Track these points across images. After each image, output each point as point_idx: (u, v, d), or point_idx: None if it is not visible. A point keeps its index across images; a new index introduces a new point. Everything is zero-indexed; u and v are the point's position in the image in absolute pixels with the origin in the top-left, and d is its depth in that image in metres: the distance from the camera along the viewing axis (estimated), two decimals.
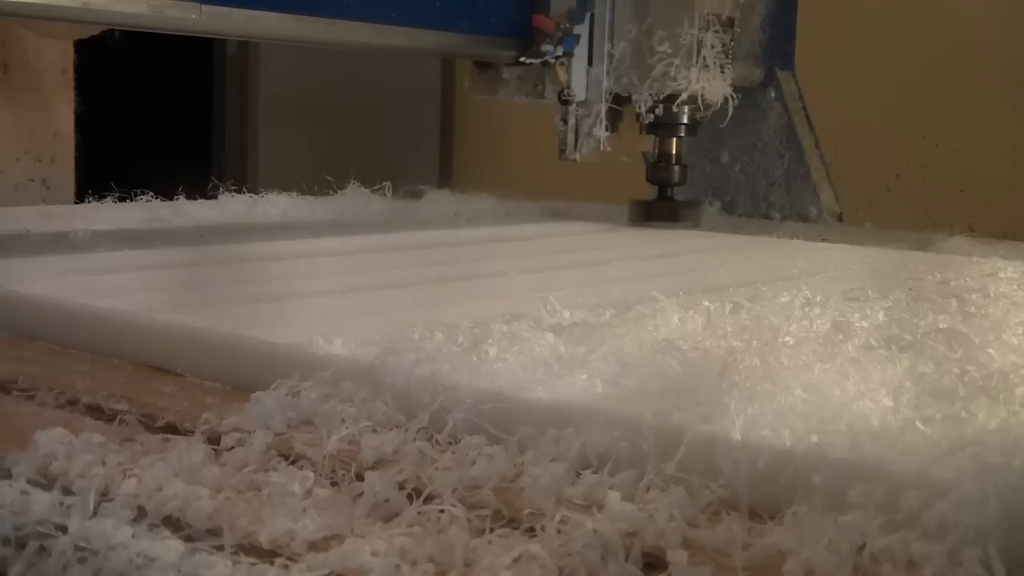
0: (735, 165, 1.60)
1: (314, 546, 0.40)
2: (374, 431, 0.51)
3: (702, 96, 1.31)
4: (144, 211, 1.28)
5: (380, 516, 0.43)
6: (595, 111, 1.33)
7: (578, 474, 0.46)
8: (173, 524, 0.42)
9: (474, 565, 0.38)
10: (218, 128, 2.40)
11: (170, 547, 0.40)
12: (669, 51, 1.30)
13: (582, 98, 1.34)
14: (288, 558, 0.39)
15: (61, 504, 0.43)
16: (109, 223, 1.18)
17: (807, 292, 0.74)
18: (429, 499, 0.43)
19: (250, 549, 0.40)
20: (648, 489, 0.44)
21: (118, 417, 0.54)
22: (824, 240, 1.29)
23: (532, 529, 0.41)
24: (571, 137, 1.34)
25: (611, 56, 1.34)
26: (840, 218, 1.55)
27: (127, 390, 0.59)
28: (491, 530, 0.40)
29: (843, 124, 1.98)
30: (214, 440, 0.51)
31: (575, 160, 1.34)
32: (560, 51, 1.31)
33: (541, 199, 1.65)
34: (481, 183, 1.74)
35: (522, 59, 1.33)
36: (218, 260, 0.95)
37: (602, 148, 1.34)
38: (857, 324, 0.66)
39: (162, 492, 0.44)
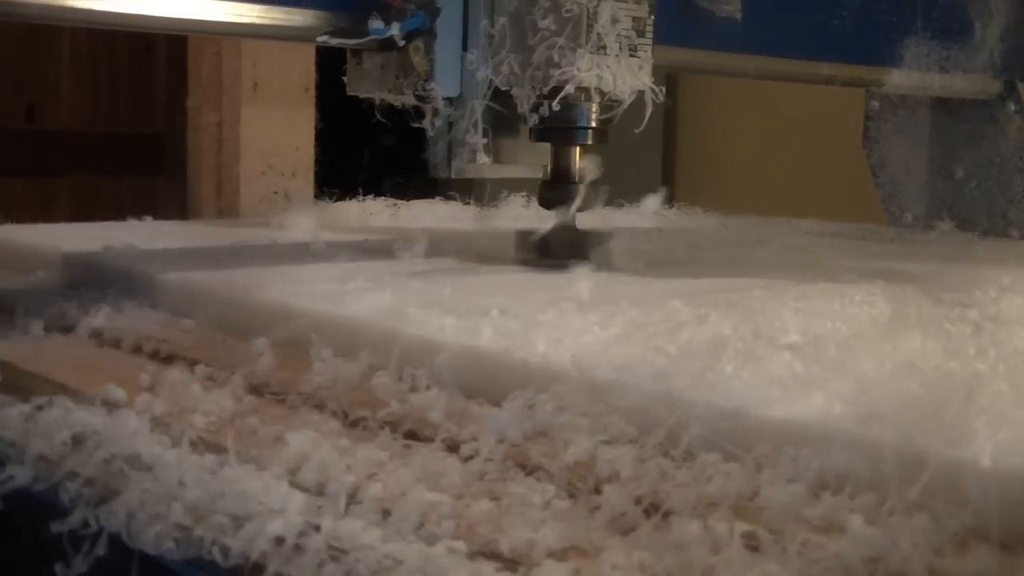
0: (971, 182, 1.54)
1: (553, 556, 0.41)
2: (609, 445, 0.51)
3: (598, 89, 0.96)
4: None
5: (617, 529, 0.43)
6: (469, 110, 0.99)
7: (816, 495, 0.46)
8: (416, 528, 0.43)
9: None
10: None
11: (415, 551, 0.42)
12: (553, 27, 0.95)
13: (452, 93, 0.99)
14: (528, 567, 0.40)
15: (313, 504, 0.45)
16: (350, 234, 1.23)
17: None
18: (667, 515, 0.43)
19: (491, 556, 0.41)
20: (890, 514, 0.43)
21: (361, 422, 0.56)
22: None
23: (770, 549, 0.40)
24: (440, 146, 1.01)
25: (491, 37, 0.98)
26: None
27: (368, 397, 0.61)
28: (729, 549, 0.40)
29: None
30: (453, 448, 0.52)
31: (448, 176, 1.02)
32: (397, 29, 0.96)
33: (766, 215, 1.63)
34: (702, 198, 1.73)
35: (323, 40, 0.97)
36: (450, 270, 0.97)
37: (478, 160, 1.00)
38: None
39: (406, 497, 0.46)
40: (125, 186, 2.68)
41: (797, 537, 0.40)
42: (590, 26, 0.94)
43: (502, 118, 1.00)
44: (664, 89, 0.98)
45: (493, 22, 0.97)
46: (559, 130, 1.00)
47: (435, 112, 0.98)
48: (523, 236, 1.02)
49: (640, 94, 0.98)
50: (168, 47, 2.71)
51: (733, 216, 1.58)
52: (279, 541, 0.42)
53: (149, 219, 1.27)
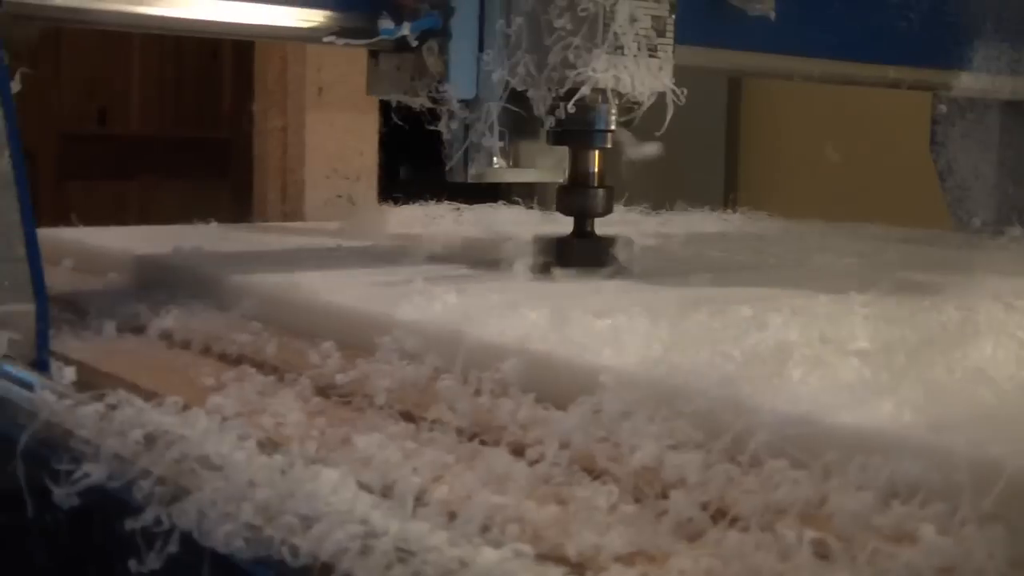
0: None
1: (620, 560, 0.41)
2: (676, 450, 0.51)
3: (615, 91, 0.92)
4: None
5: (684, 535, 0.43)
6: (485, 112, 0.96)
7: (886, 503, 0.45)
8: (482, 532, 0.44)
9: None
10: None
11: (481, 553, 0.42)
12: (569, 27, 0.91)
13: (467, 95, 0.96)
14: (595, 571, 0.40)
15: (380, 506, 0.45)
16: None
17: None
18: (734, 521, 0.43)
19: (558, 560, 0.41)
20: (963, 524, 0.42)
21: (427, 425, 0.57)
22: None
23: (839, 557, 0.40)
24: (455, 149, 0.98)
25: (507, 37, 0.95)
26: None
27: (434, 400, 0.61)
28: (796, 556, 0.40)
29: None
30: (518, 451, 0.53)
31: (465, 181, 0.99)
32: (408, 30, 0.93)
33: (832, 219, 1.62)
34: (766, 202, 1.71)
35: (330, 40, 0.95)
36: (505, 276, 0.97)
37: (495, 163, 0.98)
38: None
39: (471, 500, 0.46)
40: (191, 189, 2.72)
41: (867, 545, 0.40)
42: (607, 25, 0.90)
43: (520, 120, 0.98)
44: (683, 92, 0.94)
45: (510, 22, 0.94)
46: (577, 133, 0.96)
47: (451, 115, 0.97)
48: (541, 242, 0.99)
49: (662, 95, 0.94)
50: (234, 53, 2.74)
51: (798, 220, 1.57)
52: (347, 542, 0.42)
53: (215, 222, 1.29)
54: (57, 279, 0.90)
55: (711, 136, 2.65)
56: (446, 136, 0.97)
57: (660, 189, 1.50)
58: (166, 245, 1.05)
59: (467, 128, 0.97)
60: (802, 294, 0.83)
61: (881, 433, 0.48)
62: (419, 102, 0.97)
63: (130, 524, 0.46)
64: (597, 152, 0.98)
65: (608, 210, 1.00)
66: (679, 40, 0.96)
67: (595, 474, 0.49)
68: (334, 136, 1.67)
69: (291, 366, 0.69)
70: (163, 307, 0.83)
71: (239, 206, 1.85)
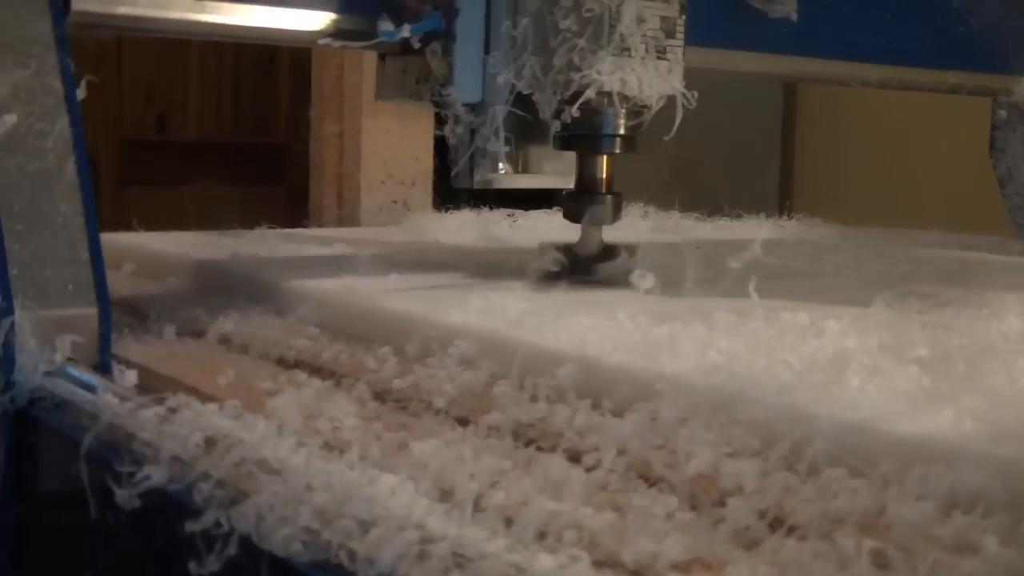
0: None
1: (677, 568, 0.41)
2: (732, 458, 0.51)
3: (622, 94, 0.88)
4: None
5: (741, 543, 0.43)
6: (490, 116, 0.92)
7: (947, 514, 0.45)
8: (539, 538, 0.44)
9: None
10: None
11: (538, 559, 0.42)
12: (574, 28, 0.88)
13: (473, 99, 0.93)
14: None
15: (437, 511, 0.46)
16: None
17: None
18: (791, 530, 0.43)
19: (614, 567, 0.41)
20: None
21: (483, 430, 0.57)
22: None
23: (899, 567, 0.40)
24: (461, 154, 0.95)
25: (513, 39, 0.91)
26: None
27: (490, 405, 0.62)
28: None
29: None
30: (575, 458, 0.53)
31: (471, 187, 0.96)
32: (408, 31, 0.91)
33: (889, 226, 1.60)
34: (822, 208, 1.70)
35: (326, 43, 0.93)
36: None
37: (500, 169, 0.94)
38: None
39: (528, 506, 0.46)
40: (248, 194, 2.75)
41: (928, 556, 0.39)
42: (612, 26, 0.87)
43: (527, 125, 0.94)
44: (693, 96, 0.90)
45: (516, 23, 0.91)
46: (584, 138, 0.93)
47: (456, 119, 0.94)
48: (547, 249, 0.96)
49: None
50: (290, 60, 2.77)
51: (854, 227, 1.56)
52: (405, 547, 0.42)
53: (272, 227, 1.30)
54: (118, 283, 0.92)
55: (766, 142, 2.63)
56: (451, 141, 0.95)
57: (714, 195, 1.50)
58: (224, 250, 1.06)
59: (473, 133, 0.94)
60: (859, 301, 0.83)
61: (942, 442, 0.48)
62: (425, 106, 0.95)
63: (190, 526, 0.47)
64: (605, 157, 0.95)
65: (616, 218, 0.96)
66: (719, 44, 0.95)
67: (651, 481, 0.49)
68: (390, 142, 1.68)
69: (348, 371, 0.70)
70: (222, 311, 0.84)
71: (295, 211, 1.87)
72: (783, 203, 2.48)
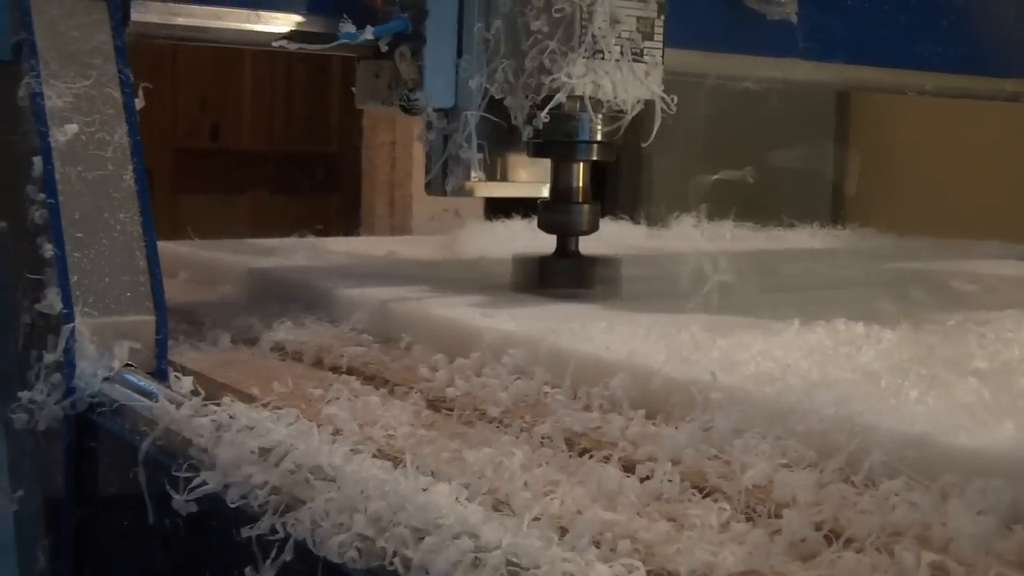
0: None
1: None
2: (788, 469, 0.50)
3: (595, 98, 0.84)
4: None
5: (797, 555, 0.43)
6: (463, 122, 0.88)
7: (1008, 528, 0.44)
8: (594, 547, 0.44)
9: None
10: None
11: (593, 569, 0.42)
12: (545, 29, 0.83)
13: (445, 104, 0.89)
14: None
15: (491, 519, 0.46)
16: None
17: None
18: (848, 542, 0.43)
19: None
20: None
21: (537, 440, 0.57)
22: None
23: None
24: (434, 161, 0.90)
25: (486, 42, 0.87)
26: None
27: (543, 414, 0.62)
28: None
29: None
30: (629, 468, 0.52)
31: (444, 195, 0.91)
32: (371, 34, 0.87)
33: (944, 236, 1.58)
34: (875, 219, 1.69)
35: (280, 45, 0.89)
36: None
37: (474, 176, 0.89)
38: None
39: (582, 515, 0.46)
40: (300, 203, 2.77)
41: (989, 571, 0.39)
42: (584, 27, 0.82)
43: (501, 131, 0.89)
44: (673, 100, 0.85)
45: (489, 25, 0.87)
46: (558, 144, 0.88)
47: (428, 125, 0.90)
48: (522, 263, 0.93)
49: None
50: (343, 69, 2.79)
51: (909, 237, 1.54)
52: (459, 555, 0.42)
53: (324, 235, 1.31)
54: (174, 291, 0.93)
55: (819, 152, 2.61)
56: (425, 148, 0.91)
57: (767, 206, 1.49)
58: (277, 258, 1.07)
59: (446, 139, 0.90)
60: (915, 312, 0.82)
61: (1003, 455, 0.47)
62: (396, 111, 0.90)
63: (246, 532, 0.47)
64: (581, 165, 0.91)
65: (593, 227, 0.92)
66: (773, 53, 0.94)
67: (706, 491, 0.49)
68: None
69: (402, 379, 0.70)
70: (275, 319, 0.84)
71: (347, 220, 1.88)
72: (836, 213, 2.46)
